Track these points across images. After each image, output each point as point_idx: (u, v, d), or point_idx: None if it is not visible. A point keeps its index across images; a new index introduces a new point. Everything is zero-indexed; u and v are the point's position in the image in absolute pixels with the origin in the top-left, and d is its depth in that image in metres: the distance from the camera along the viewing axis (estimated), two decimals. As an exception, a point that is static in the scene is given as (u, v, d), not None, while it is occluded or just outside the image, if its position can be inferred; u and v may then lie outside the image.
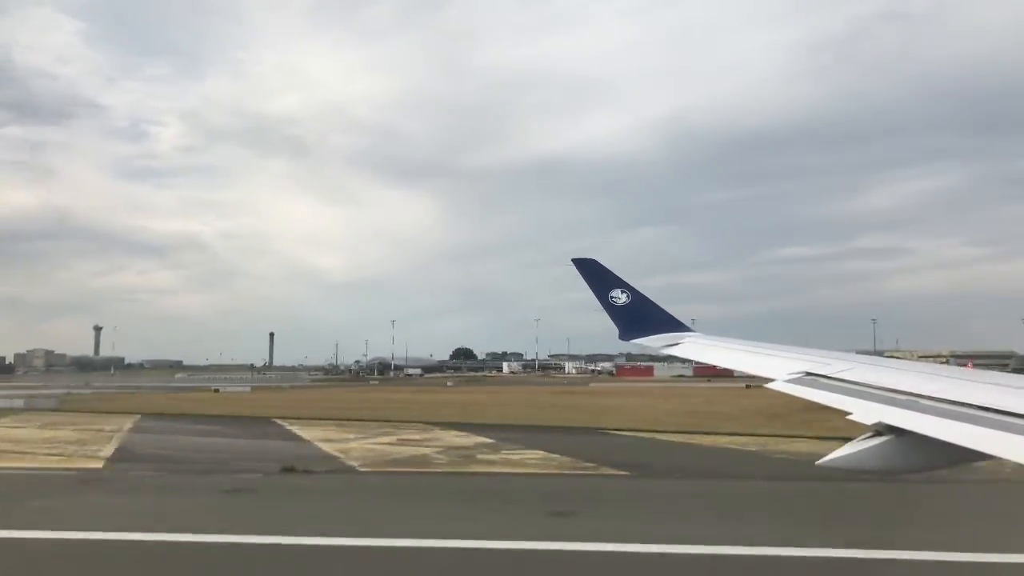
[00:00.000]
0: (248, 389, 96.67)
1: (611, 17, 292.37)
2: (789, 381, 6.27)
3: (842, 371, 6.04)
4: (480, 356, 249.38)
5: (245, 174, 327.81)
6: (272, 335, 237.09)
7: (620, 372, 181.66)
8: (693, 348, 8.84)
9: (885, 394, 5.12)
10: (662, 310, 9.90)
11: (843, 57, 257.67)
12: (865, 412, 4.86)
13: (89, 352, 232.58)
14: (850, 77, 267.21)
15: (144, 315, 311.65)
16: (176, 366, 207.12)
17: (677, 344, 9.11)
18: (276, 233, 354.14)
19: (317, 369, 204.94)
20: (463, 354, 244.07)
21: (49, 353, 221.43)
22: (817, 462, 4.81)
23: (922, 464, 4.49)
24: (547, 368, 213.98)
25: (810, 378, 6.17)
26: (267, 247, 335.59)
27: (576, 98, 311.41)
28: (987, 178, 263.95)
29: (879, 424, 4.58)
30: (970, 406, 4.40)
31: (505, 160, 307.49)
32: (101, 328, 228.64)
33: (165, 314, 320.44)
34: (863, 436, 4.63)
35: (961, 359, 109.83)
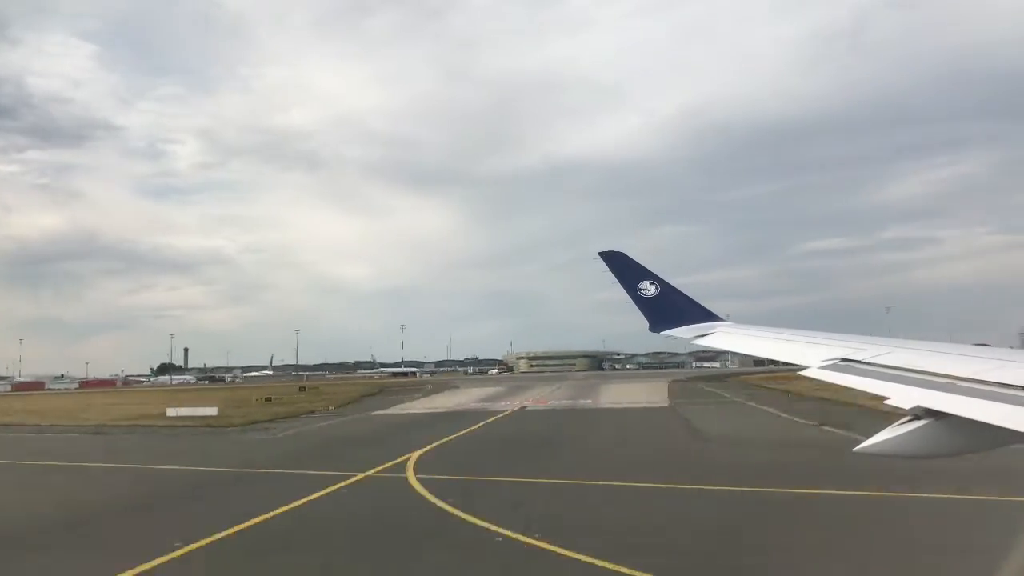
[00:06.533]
0: None
1: (618, 18, 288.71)
2: (824, 368, 6.21)
3: (878, 356, 5.96)
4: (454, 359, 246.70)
5: (263, 189, 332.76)
6: (187, 349, 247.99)
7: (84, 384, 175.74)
8: (725, 338, 8.78)
9: (923, 377, 5.04)
10: (692, 301, 9.84)
11: (855, 47, 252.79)
12: (903, 396, 4.80)
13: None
14: (863, 66, 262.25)
15: (172, 331, 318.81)
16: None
17: (709, 334, 9.06)
18: (298, 245, 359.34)
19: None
20: (165, 369, 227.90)
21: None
22: (855, 448, 4.75)
23: (964, 447, 4.42)
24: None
25: (845, 364, 6.10)
26: (290, 260, 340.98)
27: (589, 100, 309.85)
28: (1011, 164, 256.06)
29: (917, 408, 4.52)
30: (1012, 387, 4.32)
31: (521, 165, 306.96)
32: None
33: (196, 329, 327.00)
34: (901, 421, 4.56)
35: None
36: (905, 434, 4.42)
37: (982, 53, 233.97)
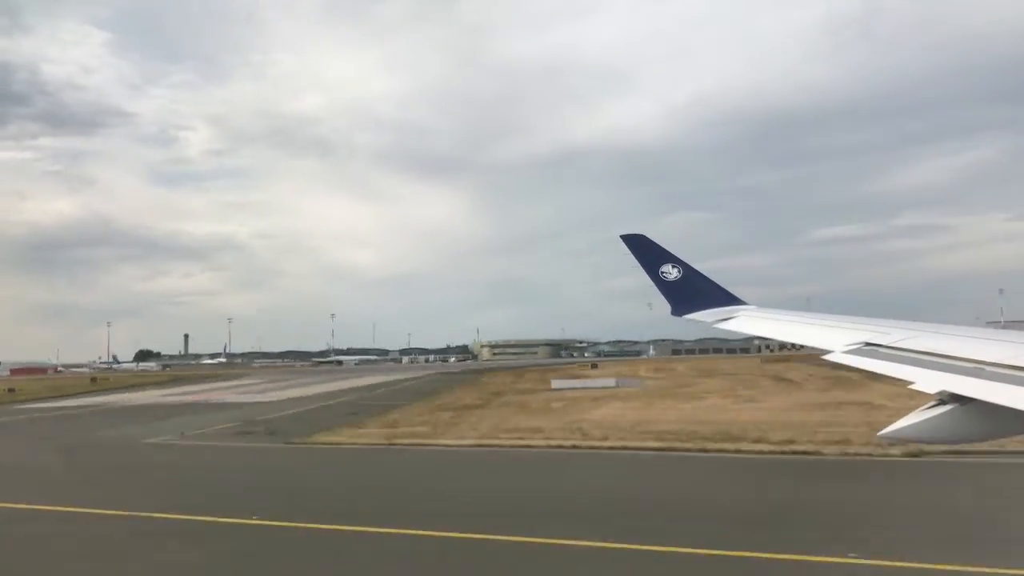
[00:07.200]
0: None
1: (628, 4, 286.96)
2: (848, 352, 6.18)
3: (902, 340, 5.92)
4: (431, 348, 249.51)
5: (275, 175, 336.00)
6: (186, 335, 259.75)
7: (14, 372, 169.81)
8: (748, 322, 8.74)
9: (948, 362, 5.01)
10: (715, 284, 9.78)
11: (864, 34, 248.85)
12: (928, 381, 4.77)
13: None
14: (874, 54, 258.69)
15: (186, 317, 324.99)
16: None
17: (732, 318, 9.01)
18: (310, 231, 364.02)
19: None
20: (145, 356, 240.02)
21: None
22: (879, 433, 4.74)
23: (990, 432, 4.40)
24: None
25: (869, 348, 6.07)
26: (302, 245, 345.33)
27: (599, 86, 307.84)
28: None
29: (943, 393, 4.50)
30: None
31: (532, 151, 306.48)
32: None
33: (211, 315, 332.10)
34: (926, 406, 4.55)
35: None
36: (930, 419, 4.41)
37: (994, 37, 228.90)
